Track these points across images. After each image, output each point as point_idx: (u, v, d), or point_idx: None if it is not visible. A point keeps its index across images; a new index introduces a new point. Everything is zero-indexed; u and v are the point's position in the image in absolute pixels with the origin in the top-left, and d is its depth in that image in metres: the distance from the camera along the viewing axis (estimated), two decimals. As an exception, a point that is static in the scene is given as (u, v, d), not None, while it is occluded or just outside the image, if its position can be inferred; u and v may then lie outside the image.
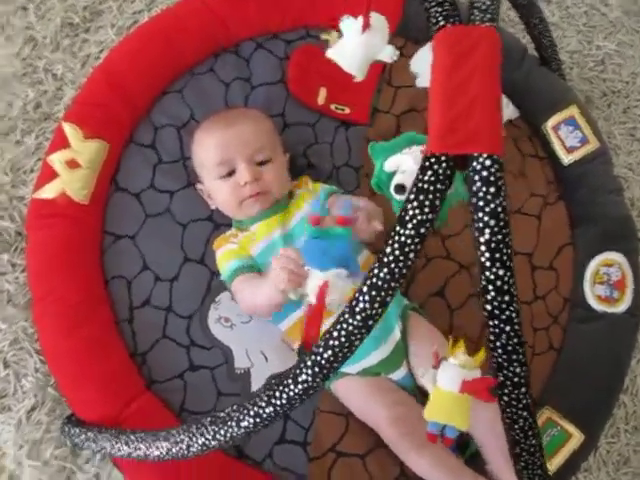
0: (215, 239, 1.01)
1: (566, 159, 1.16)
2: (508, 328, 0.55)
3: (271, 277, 0.81)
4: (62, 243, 0.98)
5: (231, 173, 0.96)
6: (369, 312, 0.57)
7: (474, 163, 0.52)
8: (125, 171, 1.05)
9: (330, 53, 0.83)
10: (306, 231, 0.81)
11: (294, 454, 0.95)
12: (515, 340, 0.55)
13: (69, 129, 1.00)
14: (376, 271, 0.56)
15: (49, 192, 0.99)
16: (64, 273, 0.96)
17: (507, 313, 0.54)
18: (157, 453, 0.74)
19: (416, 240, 0.55)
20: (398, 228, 0.55)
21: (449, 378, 0.61)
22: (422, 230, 0.54)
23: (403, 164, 0.75)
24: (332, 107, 1.13)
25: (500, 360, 0.56)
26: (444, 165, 0.54)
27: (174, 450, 0.71)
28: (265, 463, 0.95)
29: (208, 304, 1.01)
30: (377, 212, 0.89)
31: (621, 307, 1.07)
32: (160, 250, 1.03)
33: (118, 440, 0.81)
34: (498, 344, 0.56)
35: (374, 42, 0.81)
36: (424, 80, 1.12)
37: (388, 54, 0.82)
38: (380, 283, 0.56)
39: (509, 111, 1.17)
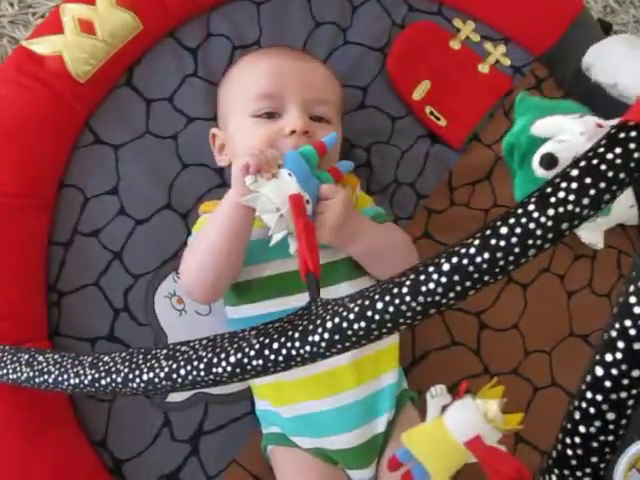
0: (204, 203, 0.76)
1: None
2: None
3: (233, 171, 0.63)
4: (29, 116, 0.74)
5: (273, 115, 0.71)
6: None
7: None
8: (147, 66, 0.81)
9: None
10: (305, 149, 0.65)
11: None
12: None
13: (105, -18, 0.76)
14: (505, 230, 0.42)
15: (43, 47, 0.75)
16: (12, 152, 0.73)
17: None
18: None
19: (564, 226, 0.41)
20: (532, 207, 0.41)
21: (463, 421, 0.49)
22: (575, 220, 0.41)
23: (565, 132, 0.54)
24: (427, 110, 0.87)
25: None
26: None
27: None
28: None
29: (167, 271, 0.77)
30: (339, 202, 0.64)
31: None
32: (142, 179, 0.78)
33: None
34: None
35: None
36: (599, 72, 0.85)
37: None
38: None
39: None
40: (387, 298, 0.44)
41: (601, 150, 0.41)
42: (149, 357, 0.51)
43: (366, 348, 0.66)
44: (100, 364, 0.53)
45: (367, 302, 0.45)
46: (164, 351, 0.51)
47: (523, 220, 0.41)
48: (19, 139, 0.74)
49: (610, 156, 0.40)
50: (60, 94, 0.75)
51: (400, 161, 0.86)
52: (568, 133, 0.54)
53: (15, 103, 0.75)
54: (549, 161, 0.54)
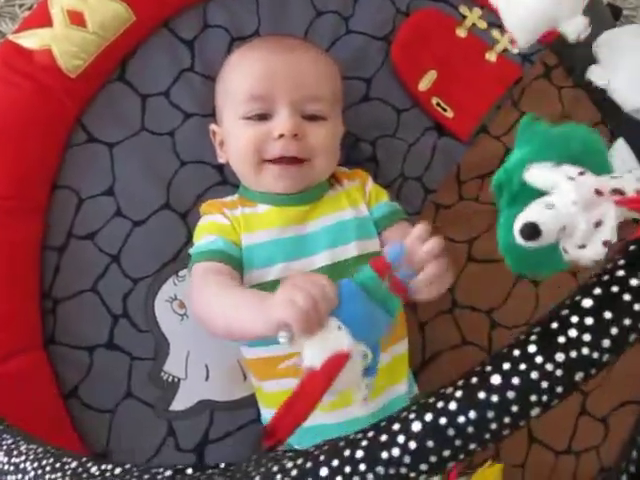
0: (206, 202, 0.72)
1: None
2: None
3: (279, 298, 0.50)
4: (17, 113, 0.71)
5: (264, 117, 0.67)
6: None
7: None
8: (141, 59, 0.77)
9: None
10: (359, 274, 0.51)
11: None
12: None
13: (95, -28, 0.72)
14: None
15: (31, 41, 0.71)
16: (1, 155, 0.69)
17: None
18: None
19: (578, 376, 0.31)
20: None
21: None
22: (592, 368, 0.31)
23: (556, 193, 0.43)
24: (433, 101, 0.84)
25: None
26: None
27: None
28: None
29: (167, 274, 0.74)
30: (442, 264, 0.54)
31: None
32: (138, 178, 0.75)
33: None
34: None
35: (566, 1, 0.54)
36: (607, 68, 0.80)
37: (577, 26, 0.54)
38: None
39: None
40: (335, 463, 0.33)
41: (621, 274, 0.32)
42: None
43: (381, 357, 0.65)
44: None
45: (309, 464, 0.34)
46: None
47: (523, 367, 0.31)
48: (6, 138, 0.70)
49: (635, 282, 0.31)
50: (50, 90, 0.71)
51: (406, 155, 0.83)
52: (559, 197, 0.43)
53: (2, 100, 0.71)
54: (531, 232, 0.43)
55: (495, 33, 0.88)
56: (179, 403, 0.72)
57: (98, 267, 0.73)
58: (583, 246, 0.41)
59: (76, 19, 0.72)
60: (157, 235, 0.74)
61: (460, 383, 0.32)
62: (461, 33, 0.87)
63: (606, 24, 0.91)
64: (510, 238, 0.45)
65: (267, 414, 0.69)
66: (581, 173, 0.42)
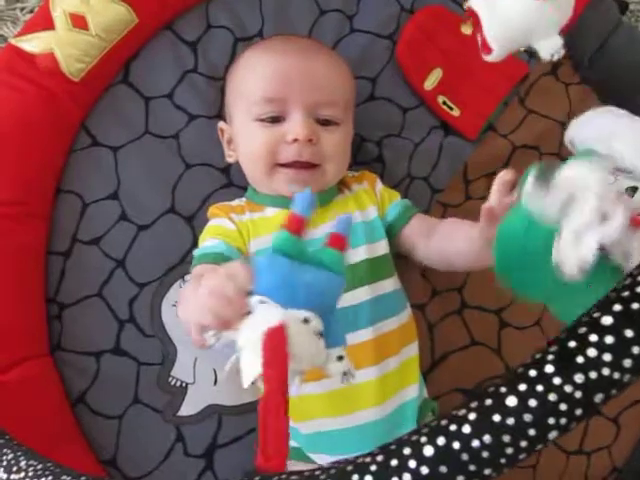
0: (213, 205, 0.71)
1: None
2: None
3: (196, 298, 0.47)
4: (20, 118, 0.70)
5: (278, 119, 0.66)
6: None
7: None
8: (144, 62, 0.76)
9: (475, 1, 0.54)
10: (273, 240, 0.46)
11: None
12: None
13: (97, -25, 0.71)
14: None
15: (33, 44, 0.71)
16: (2, 158, 0.69)
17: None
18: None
19: (598, 397, 0.29)
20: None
21: None
22: (612, 389, 0.29)
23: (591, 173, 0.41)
24: (439, 100, 0.83)
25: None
26: None
27: None
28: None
29: (173, 279, 0.73)
30: None
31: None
32: (143, 182, 0.74)
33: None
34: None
35: (545, 16, 0.53)
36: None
37: (552, 45, 0.54)
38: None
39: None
40: None
41: None
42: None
43: (392, 361, 0.65)
44: None
45: None
46: None
47: (540, 388, 0.30)
48: (9, 143, 0.69)
49: None
50: (53, 94, 0.71)
51: (413, 155, 0.82)
52: (584, 169, 0.40)
53: (5, 105, 0.70)
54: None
55: (501, 30, 0.86)
56: (187, 408, 0.71)
57: (103, 272, 0.72)
58: (578, 239, 0.39)
59: (78, 22, 0.71)
60: (162, 239, 0.73)
61: (474, 405, 0.31)
62: (466, 30, 0.86)
63: (614, 19, 0.90)
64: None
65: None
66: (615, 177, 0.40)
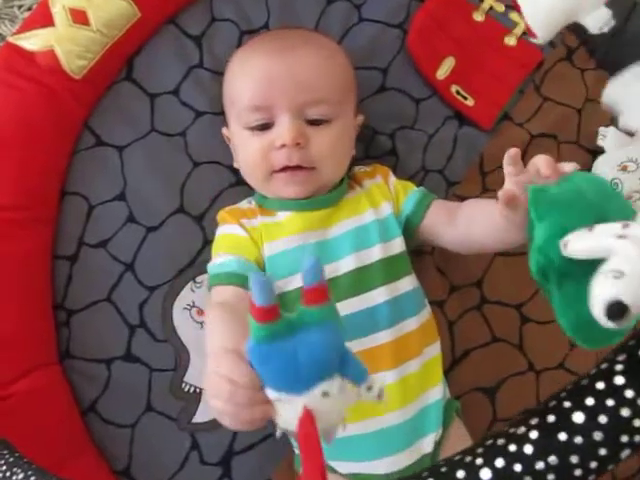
0: (224, 209, 0.68)
1: None
2: None
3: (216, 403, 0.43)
4: (21, 119, 0.68)
5: (267, 126, 0.64)
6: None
7: None
8: (148, 58, 0.74)
9: None
10: (251, 335, 0.40)
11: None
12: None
13: (97, -32, 0.69)
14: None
15: (33, 42, 0.68)
16: (4, 161, 0.66)
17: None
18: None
19: None
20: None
21: None
22: None
23: (614, 257, 0.37)
24: (452, 89, 0.81)
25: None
26: None
27: None
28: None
29: (184, 281, 0.71)
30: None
31: None
32: (150, 182, 0.72)
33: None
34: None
35: None
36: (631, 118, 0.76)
37: (599, 18, 0.51)
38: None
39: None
40: None
41: None
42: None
43: (413, 363, 0.62)
44: None
45: None
46: None
47: (610, 402, 0.27)
48: (10, 145, 0.67)
49: None
50: (54, 93, 0.68)
51: (427, 146, 0.79)
52: (622, 260, 0.38)
53: (5, 105, 0.68)
54: (619, 310, 0.37)
55: (514, 16, 0.84)
56: (202, 415, 0.69)
57: (112, 276, 0.70)
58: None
59: (79, 17, 0.68)
60: (172, 240, 0.71)
61: (534, 422, 0.27)
62: (478, 17, 0.84)
63: (628, 2, 0.87)
64: (577, 317, 0.40)
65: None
66: (625, 225, 0.37)
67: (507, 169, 0.51)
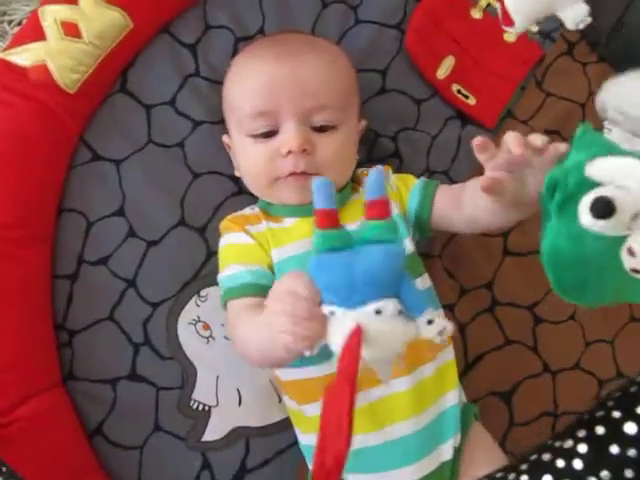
0: (226, 217, 0.66)
1: None
2: None
3: (270, 325, 0.46)
4: (14, 136, 0.66)
5: (271, 133, 0.63)
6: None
7: None
8: (142, 68, 0.72)
9: None
10: (313, 243, 0.44)
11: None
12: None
13: (88, -20, 0.67)
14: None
15: (24, 57, 0.66)
16: (2, 181, 0.64)
17: None
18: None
19: None
20: None
21: None
22: None
23: (631, 178, 0.40)
24: (453, 89, 0.79)
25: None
26: None
27: None
28: None
29: (188, 295, 0.69)
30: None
31: None
32: (149, 195, 0.70)
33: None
34: None
35: None
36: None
37: (577, 13, 0.51)
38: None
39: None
40: None
41: None
42: None
43: (426, 368, 0.60)
44: None
45: None
46: None
47: None
48: (5, 163, 0.65)
49: None
50: (48, 108, 0.67)
51: (430, 148, 0.78)
52: (633, 180, 0.40)
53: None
54: (604, 208, 0.39)
55: (512, 12, 0.83)
56: (212, 433, 0.67)
57: (114, 293, 0.68)
58: None
59: (70, 30, 0.67)
60: (174, 254, 0.69)
61: (582, 434, 0.25)
62: (476, 14, 0.82)
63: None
64: (557, 247, 0.42)
65: (306, 440, 0.64)
66: None
67: (479, 158, 0.52)
